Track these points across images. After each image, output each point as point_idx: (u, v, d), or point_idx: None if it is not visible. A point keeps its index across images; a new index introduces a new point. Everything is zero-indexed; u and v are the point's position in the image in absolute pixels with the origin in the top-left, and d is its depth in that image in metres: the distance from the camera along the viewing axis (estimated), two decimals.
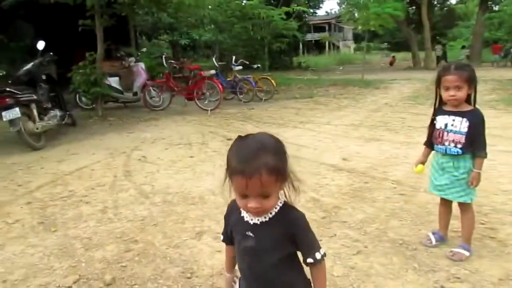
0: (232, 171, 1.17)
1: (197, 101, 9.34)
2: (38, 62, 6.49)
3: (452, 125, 2.46)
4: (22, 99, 5.74)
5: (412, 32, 26.64)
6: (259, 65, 13.27)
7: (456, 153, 2.47)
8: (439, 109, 2.60)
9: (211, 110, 9.02)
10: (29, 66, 6.39)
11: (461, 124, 2.42)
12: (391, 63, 29.54)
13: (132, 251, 2.85)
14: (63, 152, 5.86)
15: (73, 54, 9.51)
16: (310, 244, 1.28)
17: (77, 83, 8.24)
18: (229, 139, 6.25)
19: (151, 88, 9.47)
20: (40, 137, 6.15)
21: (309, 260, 1.28)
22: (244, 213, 1.30)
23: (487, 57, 25.11)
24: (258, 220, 1.27)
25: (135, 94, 9.74)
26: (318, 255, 1.27)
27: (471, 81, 2.37)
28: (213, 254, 2.76)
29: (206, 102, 9.28)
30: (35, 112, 6.00)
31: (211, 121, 8.20)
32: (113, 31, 11.20)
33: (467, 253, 2.58)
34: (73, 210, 3.64)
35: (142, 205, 3.70)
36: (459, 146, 2.44)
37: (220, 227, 3.12)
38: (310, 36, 39.83)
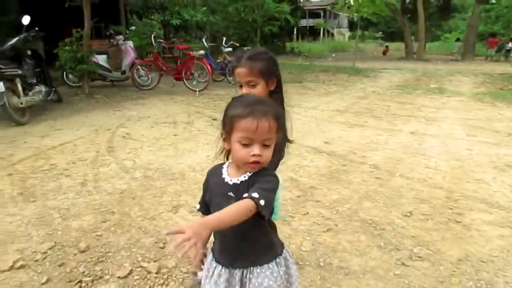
0: (237, 117, 1.23)
1: (185, 81, 9.31)
2: (23, 37, 6.39)
3: None
4: (6, 73, 5.68)
5: (407, 22, 26.61)
6: (249, 48, 13.18)
7: None
8: None
9: (199, 91, 9.01)
10: (14, 41, 6.28)
11: None
12: (384, 53, 29.55)
13: (108, 221, 2.91)
14: (47, 127, 5.85)
15: (61, 31, 9.36)
16: (261, 186, 1.22)
17: (63, 60, 8.14)
18: (214, 119, 6.29)
19: (139, 67, 9.40)
20: (25, 112, 6.11)
21: (245, 194, 1.20)
22: (225, 175, 1.35)
23: (481, 51, 25.20)
24: (238, 179, 1.31)
25: (123, 72, 9.65)
26: (253, 194, 1.18)
27: (268, 75, 1.77)
28: None
29: (194, 82, 9.26)
30: (19, 87, 5.94)
31: (199, 101, 8.21)
32: (103, 9, 11.08)
33: None
34: (53, 183, 3.68)
35: (122, 180, 3.75)
36: None
37: (197, 201, 3.22)
38: (305, 22, 39.54)
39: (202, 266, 1.51)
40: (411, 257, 2.51)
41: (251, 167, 1.27)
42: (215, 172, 1.41)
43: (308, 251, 2.56)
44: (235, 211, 1.15)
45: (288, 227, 2.85)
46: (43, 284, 2.21)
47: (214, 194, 1.38)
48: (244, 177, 1.31)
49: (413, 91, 9.93)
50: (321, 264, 2.42)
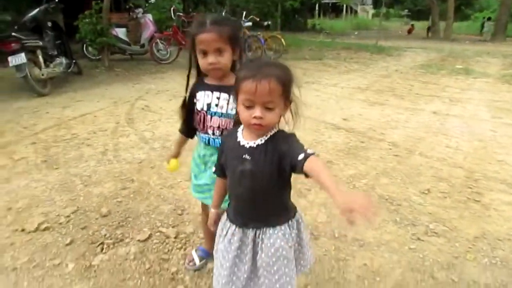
0: (241, 80, 1.25)
1: None
2: (43, 8, 6.45)
3: (216, 105, 1.70)
4: (28, 44, 5.77)
5: (435, 0, 25.67)
6: (269, 22, 13.03)
7: None
8: (198, 83, 1.78)
9: None
10: (34, 12, 6.35)
11: (228, 104, 1.69)
12: (410, 32, 28.63)
13: (128, 189, 2.98)
14: (68, 99, 5.96)
15: (81, 3, 9.39)
16: (298, 147, 1.24)
17: (83, 32, 8.18)
18: None
19: (158, 40, 9.38)
20: (46, 83, 6.23)
21: (301, 156, 1.18)
22: (240, 138, 1.36)
23: None
24: (255, 143, 1.32)
25: (142, 46, 9.66)
26: (309, 151, 1.19)
27: (235, 42, 1.65)
28: None
29: None
30: (40, 58, 6.04)
31: None
32: None
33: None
34: (75, 151, 3.77)
35: (141, 150, 3.82)
36: None
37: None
38: None
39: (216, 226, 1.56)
40: (427, 233, 2.50)
41: (255, 128, 1.27)
42: (230, 136, 1.42)
43: (323, 222, 2.59)
44: (326, 167, 1.15)
45: (304, 199, 2.87)
46: (67, 245, 2.30)
47: (229, 157, 1.39)
48: (261, 140, 1.31)
49: (437, 71, 9.66)
50: (336, 235, 2.44)
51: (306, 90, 7.05)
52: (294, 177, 1.31)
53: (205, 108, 1.70)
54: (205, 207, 2.00)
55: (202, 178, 1.84)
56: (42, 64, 6.06)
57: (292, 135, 1.31)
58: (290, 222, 1.42)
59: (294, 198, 1.56)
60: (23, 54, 5.49)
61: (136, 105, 5.57)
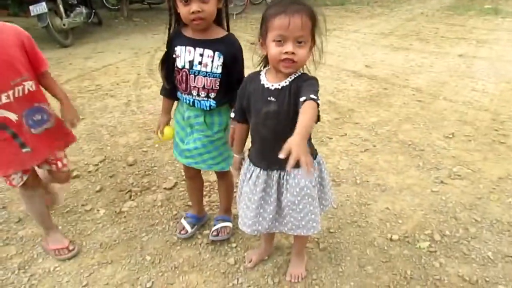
0: (272, 15, 1.24)
1: None
2: None
3: (200, 63, 1.52)
4: None
5: None
6: None
7: (208, 108, 1.62)
8: (177, 35, 1.58)
9: (236, 14, 8.77)
10: None
11: (213, 62, 1.52)
12: None
13: (152, 139, 3.05)
14: (90, 50, 5.97)
15: None
16: (308, 90, 1.22)
17: None
18: (252, 43, 6.13)
19: None
20: (68, 34, 6.24)
21: (302, 98, 1.18)
22: (264, 81, 1.36)
23: None
24: (279, 85, 1.32)
25: None
26: (312, 95, 1.19)
27: None
28: None
29: (231, 6, 8.97)
30: (61, 7, 6.01)
31: (236, 25, 7.99)
32: None
33: (230, 224, 2.01)
34: (100, 102, 3.84)
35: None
36: (212, 95, 1.59)
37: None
38: None
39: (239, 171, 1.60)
40: (450, 176, 2.50)
41: (284, 66, 1.26)
42: (253, 79, 1.41)
43: (345, 169, 2.61)
44: (311, 115, 1.14)
45: (325, 147, 2.88)
46: (97, 191, 2.41)
47: (253, 100, 1.39)
48: (285, 82, 1.31)
49: (465, 12, 9.18)
50: (358, 181, 2.47)
51: (327, 37, 6.85)
52: (316, 126, 1.31)
53: (187, 66, 1.54)
54: (190, 172, 1.91)
55: (190, 142, 1.70)
56: (63, 14, 6.04)
57: (313, 78, 1.31)
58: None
59: (316, 145, 1.58)
60: (44, 3, 5.47)
61: (156, 56, 5.55)
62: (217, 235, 1.95)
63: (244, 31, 7.39)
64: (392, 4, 11.01)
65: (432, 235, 1.98)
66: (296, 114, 1.18)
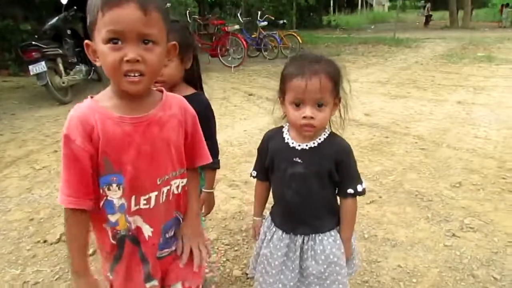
0: (289, 77, 1.17)
1: (220, 57, 9.26)
2: (62, 16, 6.52)
3: None
4: (48, 53, 5.82)
5: None
6: (285, 21, 12.92)
7: None
8: None
9: (234, 67, 8.94)
10: (54, 20, 6.43)
11: None
12: (427, 22, 28.05)
13: None
14: None
15: None
16: (354, 174, 1.28)
17: None
18: (250, 95, 6.21)
19: None
20: (67, 91, 6.29)
21: (350, 190, 1.26)
22: (288, 139, 1.28)
23: None
24: (307, 145, 1.25)
25: None
26: (359, 187, 1.27)
27: (184, 48, 1.33)
28: (228, 200, 2.82)
29: (230, 58, 9.19)
30: (61, 66, 6.10)
31: (234, 77, 8.15)
32: None
33: None
34: None
35: None
36: None
37: (235, 175, 3.20)
38: None
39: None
40: (462, 228, 2.37)
41: (304, 130, 1.19)
42: (274, 137, 1.33)
43: None
44: (353, 215, 1.31)
45: None
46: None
47: (278, 159, 1.30)
48: (313, 143, 1.24)
49: (459, 60, 9.39)
50: (366, 236, 2.34)
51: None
52: None
53: None
54: None
55: None
56: (63, 72, 6.12)
57: (351, 153, 1.28)
58: (338, 227, 1.34)
59: None
60: (43, 63, 5.55)
61: None
62: None
63: (243, 83, 7.52)
64: (386, 54, 11.29)
65: None
66: (324, 177, 1.15)
